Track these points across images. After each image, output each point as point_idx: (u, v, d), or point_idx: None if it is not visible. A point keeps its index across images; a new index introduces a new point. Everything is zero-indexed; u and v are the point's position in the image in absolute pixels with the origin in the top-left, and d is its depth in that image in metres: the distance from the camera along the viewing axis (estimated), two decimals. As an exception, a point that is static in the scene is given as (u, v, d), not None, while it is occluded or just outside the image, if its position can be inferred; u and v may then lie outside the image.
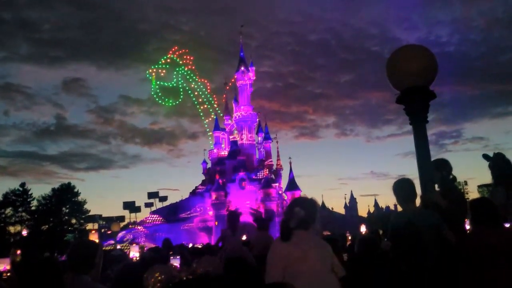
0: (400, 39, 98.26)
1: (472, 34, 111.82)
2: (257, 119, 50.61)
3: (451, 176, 4.89)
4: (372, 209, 62.68)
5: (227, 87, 53.87)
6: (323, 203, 62.78)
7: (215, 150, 50.21)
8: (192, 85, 52.84)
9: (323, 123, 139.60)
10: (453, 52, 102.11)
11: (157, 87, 51.17)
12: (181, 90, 52.28)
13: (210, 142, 52.38)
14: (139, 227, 45.38)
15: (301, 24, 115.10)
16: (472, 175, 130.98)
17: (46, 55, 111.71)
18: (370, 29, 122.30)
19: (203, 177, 51.39)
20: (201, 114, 53.17)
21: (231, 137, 49.98)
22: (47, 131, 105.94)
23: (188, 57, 53.54)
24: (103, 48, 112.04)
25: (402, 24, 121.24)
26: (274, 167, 50.03)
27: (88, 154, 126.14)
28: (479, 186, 43.31)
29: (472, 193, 43.58)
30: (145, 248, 15.67)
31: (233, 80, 52.47)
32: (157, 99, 51.52)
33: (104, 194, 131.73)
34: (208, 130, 53.04)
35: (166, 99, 51.87)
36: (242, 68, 49.63)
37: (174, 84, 51.94)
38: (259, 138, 50.89)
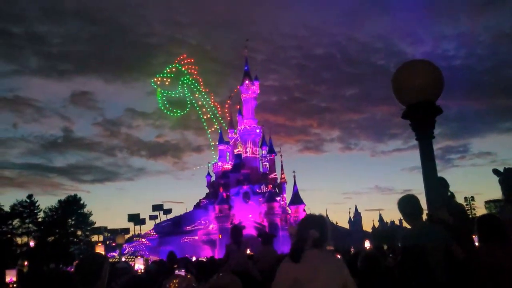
0: (406, 53, 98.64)
1: (479, 48, 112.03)
2: (261, 133, 50.67)
3: (449, 193, 4.90)
4: (377, 224, 62.27)
5: (229, 99, 54.18)
6: (327, 217, 62.43)
7: (219, 163, 50.26)
8: (197, 95, 53.06)
9: (327, 137, 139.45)
10: (459, 66, 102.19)
11: (161, 96, 51.39)
12: (187, 100, 52.49)
13: (213, 153, 52.45)
14: (142, 240, 45.25)
15: (307, 38, 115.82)
16: (479, 190, 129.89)
17: (55, 68, 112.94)
18: (376, 43, 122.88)
19: (207, 190, 51.39)
20: (205, 124, 53.28)
21: (235, 150, 50.06)
22: (54, 144, 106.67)
23: (193, 67, 53.85)
24: (110, 62, 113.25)
25: (408, 38, 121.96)
26: (278, 180, 49.96)
27: (94, 166, 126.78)
28: (486, 202, 42.97)
29: (479, 209, 43.23)
30: (150, 261, 15.65)
31: (235, 90, 52.76)
32: (162, 108, 51.69)
33: (109, 206, 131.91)
34: (211, 140, 53.04)
35: (171, 109, 52.01)
36: (247, 82, 49.86)
37: (179, 94, 52.14)
38: (263, 152, 50.88)
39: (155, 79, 51.34)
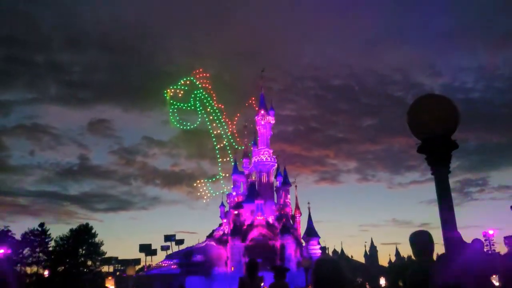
0: (424, 84, 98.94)
1: (497, 81, 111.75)
2: (276, 163, 50.41)
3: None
4: (393, 259, 60.82)
5: (235, 121, 54.19)
6: (342, 250, 61.29)
7: (234, 193, 50.01)
8: (208, 109, 53.13)
9: (344, 168, 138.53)
10: (478, 98, 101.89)
11: (172, 107, 51.51)
12: (199, 113, 52.45)
13: (219, 171, 52.01)
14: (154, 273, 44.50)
15: (325, 69, 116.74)
16: (499, 225, 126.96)
17: (74, 96, 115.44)
18: (394, 75, 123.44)
19: (221, 221, 51.02)
20: (214, 140, 52.97)
21: (249, 180, 49.80)
22: (70, 171, 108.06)
23: (207, 81, 54.12)
24: (129, 90, 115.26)
25: (426, 70, 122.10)
26: (293, 211, 49.37)
27: (108, 195, 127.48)
28: (506, 238, 41.74)
29: (498, 245, 42.08)
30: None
31: (242, 110, 52.94)
32: (172, 121, 51.66)
33: (121, 236, 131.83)
34: (219, 156, 52.54)
35: (182, 122, 52.11)
36: (262, 112, 50.00)
37: (191, 106, 52.15)
38: (278, 182, 50.50)
39: (168, 91, 51.58)
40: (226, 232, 45.77)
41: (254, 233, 43.87)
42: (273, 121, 51.12)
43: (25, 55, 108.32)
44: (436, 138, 3.86)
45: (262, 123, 50.02)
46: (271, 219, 45.51)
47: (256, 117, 50.76)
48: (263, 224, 44.16)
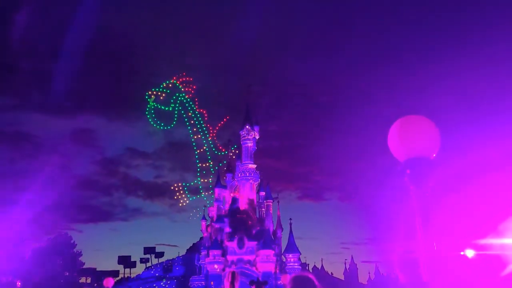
0: (408, 103, 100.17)
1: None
2: (259, 178, 50.39)
3: None
4: (372, 276, 61.03)
5: (214, 131, 54.39)
6: (322, 267, 61.35)
7: (215, 207, 49.74)
8: (190, 113, 53.38)
9: (327, 185, 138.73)
10: (460, 119, 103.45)
11: (153, 110, 51.74)
12: (175, 115, 52.76)
13: (200, 181, 52.01)
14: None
15: (311, 86, 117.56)
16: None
17: (58, 105, 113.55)
18: (379, 93, 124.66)
19: (202, 234, 50.67)
20: (194, 144, 53.31)
21: (232, 194, 49.64)
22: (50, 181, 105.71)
23: (191, 85, 54.52)
24: (114, 101, 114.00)
25: (411, 89, 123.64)
26: (274, 227, 49.23)
27: (88, 205, 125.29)
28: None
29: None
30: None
31: (222, 122, 53.54)
32: (150, 121, 51.87)
33: (101, 247, 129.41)
34: (198, 162, 52.55)
35: (159, 122, 52.35)
36: (247, 127, 50.13)
37: (171, 108, 52.48)
38: (260, 197, 50.43)
39: (150, 93, 51.90)
40: (207, 245, 45.44)
41: (234, 248, 43.72)
42: (257, 136, 51.26)
43: (9, 61, 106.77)
44: (417, 159, 3.99)
45: (247, 137, 50.12)
46: (252, 235, 45.38)
47: (240, 131, 50.85)
48: (244, 238, 44.07)
